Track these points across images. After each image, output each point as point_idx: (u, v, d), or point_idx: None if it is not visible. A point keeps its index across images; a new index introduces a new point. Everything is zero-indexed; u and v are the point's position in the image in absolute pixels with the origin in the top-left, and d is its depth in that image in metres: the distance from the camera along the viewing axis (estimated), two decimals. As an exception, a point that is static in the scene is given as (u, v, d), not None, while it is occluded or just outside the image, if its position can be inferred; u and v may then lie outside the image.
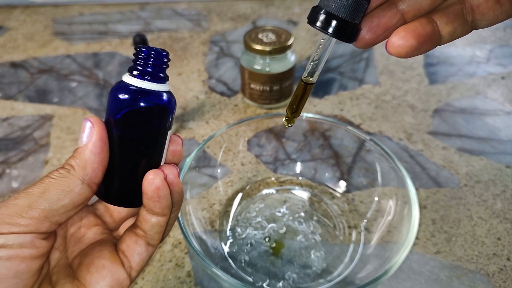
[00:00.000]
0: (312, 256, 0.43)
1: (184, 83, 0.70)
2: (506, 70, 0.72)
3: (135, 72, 0.23)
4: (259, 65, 0.59)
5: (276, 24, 0.84)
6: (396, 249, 0.37)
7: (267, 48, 0.57)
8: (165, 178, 0.23)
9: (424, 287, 0.42)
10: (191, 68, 0.74)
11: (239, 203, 0.49)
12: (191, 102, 0.66)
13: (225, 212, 0.48)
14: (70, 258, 0.25)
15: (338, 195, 0.49)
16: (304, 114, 0.49)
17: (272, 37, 0.59)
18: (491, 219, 0.48)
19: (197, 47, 0.80)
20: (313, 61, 0.24)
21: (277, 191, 0.50)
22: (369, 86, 0.69)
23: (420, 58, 0.76)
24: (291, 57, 0.60)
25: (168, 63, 0.24)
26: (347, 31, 0.21)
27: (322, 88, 0.68)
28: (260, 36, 0.60)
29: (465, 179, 0.53)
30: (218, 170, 0.50)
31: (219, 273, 0.33)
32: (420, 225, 0.47)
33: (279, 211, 0.47)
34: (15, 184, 0.53)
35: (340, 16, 0.20)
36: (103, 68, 0.74)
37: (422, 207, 0.49)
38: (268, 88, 0.61)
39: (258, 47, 0.58)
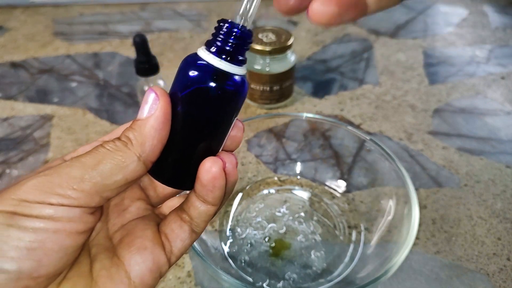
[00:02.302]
0: (312, 256, 0.43)
1: (184, 83, 0.70)
2: (506, 70, 0.72)
3: (213, 49, 0.21)
4: (259, 65, 0.59)
5: (276, 24, 0.84)
6: (396, 249, 0.37)
7: (267, 48, 0.57)
8: (224, 168, 0.21)
9: (425, 286, 0.42)
10: (191, 68, 0.74)
11: (239, 203, 0.49)
12: (191, 102, 0.66)
13: (225, 212, 0.48)
14: (111, 231, 0.24)
15: (338, 195, 0.49)
16: (304, 114, 0.49)
17: (272, 37, 0.59)
18: (491, 219, 0.48)
19: (198, 47, 0.80)
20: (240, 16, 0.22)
21: (277, 191, 0.50)
22: (369, 86, 0.69)
23: (420, 58, 0.76)
24: (291, 57, 0.60)
25: (250, 45, 0.22)
26: None
27: (322, 88, 0.68)
28: (260, 36, 0.60)
29: (465, 179, 0.53)
30: (218, 170, 0.50)
31: (219, 273, 0.33)
32: (420, 225, 0.47)
33: (279, 211, 0.48)
34: (15, 184, 0.53)
35: None
36: (104, 68, 0.74)
37: (422, 207, 0.49)
38: (268, 88, 0.61)
39: (258, 47, 0.58)
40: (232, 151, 0.24)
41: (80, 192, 0.19)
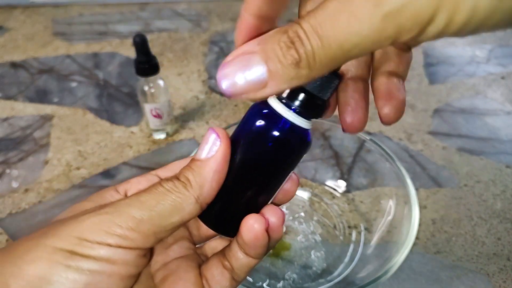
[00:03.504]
0: (312, 256, 0.43)
1: (184, 83, 0.70)
2: (506, 70, 0.72)
3: (284, 99, 0.20)
4: (259, 65, 0.59)
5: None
6: (396, 249, 0.37)
7: (267, 48, 0.57)
8: (267, 228, 0.21)
9: (425, 287, 0.42)
10: (191, 69, 0.74)
11: (239, 203, 0.49)
12: (191, 102, 0.66)
13: (225, 212, 0.48)
14: (153, 268, 0.23)
15: (338, 195, 0.49)
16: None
17: (272, 37, 0.59)
18: (491, 219, 0.48)
19: (197, 47, 0.80)
20: None
21: (277, 191, 0.50)
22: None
23: (420, 58, 0.76)
24: (291, 57, 0.60)
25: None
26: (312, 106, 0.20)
27: (322, 88, 0.68)
28: (260, 36, 0.59)
29: (465, 179, 0.53)
30: (218, 170, 0.50)
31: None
32: (420, 225, 0.47)
33: (279, 211, 0.47)
34: (15, 184, 0.53)
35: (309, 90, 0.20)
36: (103, 68, 0.74)
37: (422, 207, 0.49)
38: (268, 88, 0.61)
39: (258, 47, 0.58)
40: (282, 204, 0.23)
41: (138, 233, 0.19)
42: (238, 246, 0.22)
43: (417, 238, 0.46)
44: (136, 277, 0.20)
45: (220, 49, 0.79)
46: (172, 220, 0.19)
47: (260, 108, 0.20)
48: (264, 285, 0.41)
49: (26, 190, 0.53)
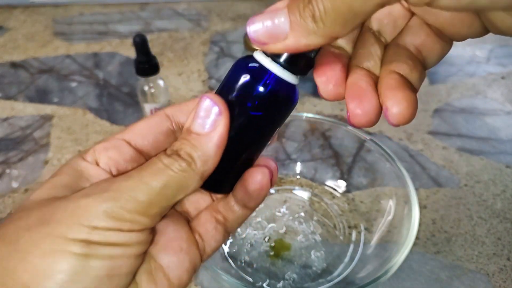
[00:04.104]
0: (312, 256, 0.43)
1: (184, 83, 0.70)
2: (506, 70, 0.72)
3: (271, 56, 0.20)
4: (259, 65, 0.59)
5: (276, 24, 0.84)
6: (396, 249, 0.37)
7: (267, 48, 0.57)
8: (271, 178, 0.22)
9: (424, 287, 0.42)
10: (191, 68, 0.74)
11: (239, 203, 0.49)
12: (191, 102, 0.66)
13: (225, 212, 0.48)
14: None
15: (338, 195, 0.49)
16: (304, 114, 0.49)
17: (272, 37, 0.59)
18: (491, 219, 0.48)
19: (197, 47, 0.80)
20: None
21: (277, 191, 0.50)
22: (369, 86, 0.69)
23: (420, 58, 0.76)
24: (291, 57, 0.60)
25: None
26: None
27: (322, 88, 0.68)
28: (260, 36, 0.59)
29: (465, 179, 0.53)
30: (218, 170, 0.50)
31: (219, 273, 0.33)
32: (420, 225, 0.47)
33: (279, 211, 0.48)
34: (15, 184, 0.53)
35: None
36: (103, 68, 0.74)
37: (422, 207, 0.49)
38: (268, 88, 0.61)
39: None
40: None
41: (147, 216, 0.19)
42: (236, 200, 0.23)
43: (417, 238, 0.46)
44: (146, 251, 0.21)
45: (220, 49, 0.79)
46: (177, 198, 0.20)
47: (246, 62, 0.20)
48: (264, 285, 0.41)
49: (26, 190, 0.53)
